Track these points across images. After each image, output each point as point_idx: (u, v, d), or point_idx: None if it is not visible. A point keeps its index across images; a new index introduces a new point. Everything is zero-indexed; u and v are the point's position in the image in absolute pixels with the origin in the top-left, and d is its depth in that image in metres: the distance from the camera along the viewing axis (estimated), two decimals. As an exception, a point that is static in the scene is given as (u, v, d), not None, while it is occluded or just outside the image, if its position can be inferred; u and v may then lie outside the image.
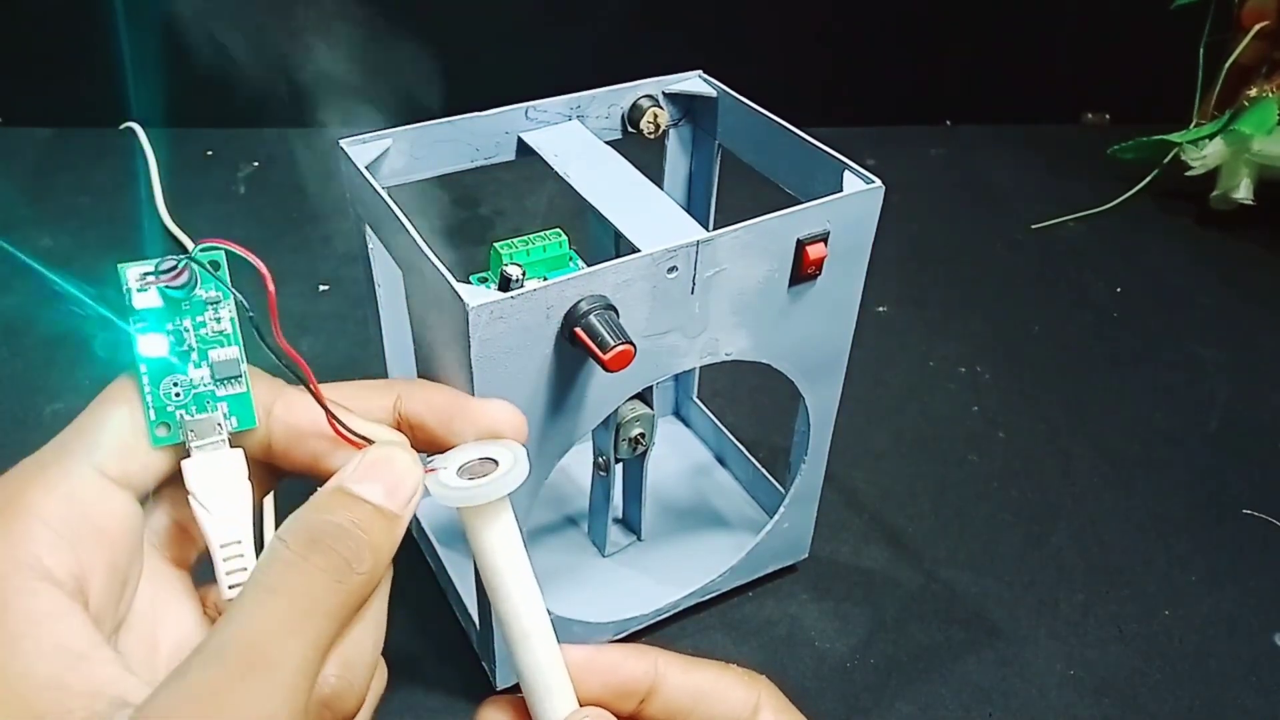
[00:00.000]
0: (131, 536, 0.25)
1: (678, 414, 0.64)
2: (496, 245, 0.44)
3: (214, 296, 0.25)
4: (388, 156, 0.44)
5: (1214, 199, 0.88)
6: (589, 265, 0.40)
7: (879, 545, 0.57)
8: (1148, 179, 0.88)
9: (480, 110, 0.46)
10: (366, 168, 0.42)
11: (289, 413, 0.28)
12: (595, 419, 0.41)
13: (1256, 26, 0.85)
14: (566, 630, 0.48)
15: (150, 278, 0.24)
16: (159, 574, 0.26)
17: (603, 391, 0.41)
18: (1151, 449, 0.65)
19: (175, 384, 0.25)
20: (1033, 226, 0.88)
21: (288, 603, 0.22)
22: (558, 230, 0.45)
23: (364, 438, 0.27)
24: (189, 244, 0.79)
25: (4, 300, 0.74)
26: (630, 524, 0.55)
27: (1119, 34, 0.99)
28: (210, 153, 0.94)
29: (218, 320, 0.25)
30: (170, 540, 0.27)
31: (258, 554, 0.24)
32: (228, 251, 0.24)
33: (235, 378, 0.25)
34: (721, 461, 0.61)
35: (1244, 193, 0.85)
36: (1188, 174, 0.87)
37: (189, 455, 0.25)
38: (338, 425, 0.26)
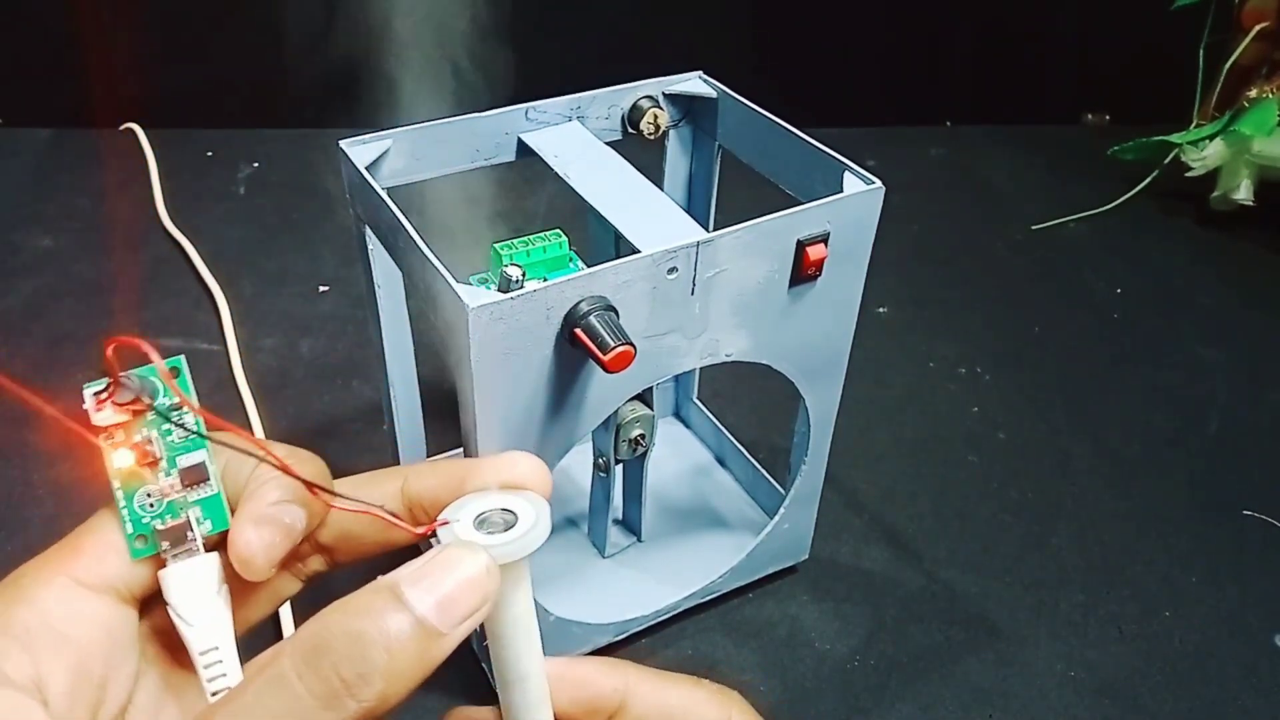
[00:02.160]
0: (111, 637, 0.24)
1: (678, 415, 0.64)
2: (496, 245, 0.44)
3: (174, 403, 0.25)
4: (388, 157, 0.44)
5: (1214, 200, 0.88)
6: (589, 266, 0.40)
7: (879, 546, 0.57)
8: (1148, 179, 0.88)
9: (480, 110, 0.46)
10: (366, 168, 0.42)
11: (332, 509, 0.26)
12: (595, 420, 0.41)
13: (1257, 27, 0.85)
14: (566, 631, 0.48)
15: (101, 396, 0.24)
16: (165, 676, 0.26)
17: (603, 392, 0.41)
18: (1151, 449, 0.65)
19: (148, 494, 0.25)
20: (1033, 226, 0.88)
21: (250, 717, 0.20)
22: (558, 231, 0.45)
23: (366, 505, 0.25)
24: (195, 253, 0.79)
25: (4, 300, 0.74)
26: (630, 525, 0.55)
27: (1119, 34, 0.99)
28: (210, 153, 0.94)
29: (182, 424, 0.25)
30: (177, 644, 0.26)
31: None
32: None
33: (204, 481, 0.25)
34: (721, 462, 0.61)
35: (1244, 193, 0.85)
36: (1188, 174, 0.87)
37: (164, 565, 0.25)
38: (325, 497, 0.25)
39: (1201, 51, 0.86)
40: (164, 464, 0.25)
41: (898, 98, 1.03)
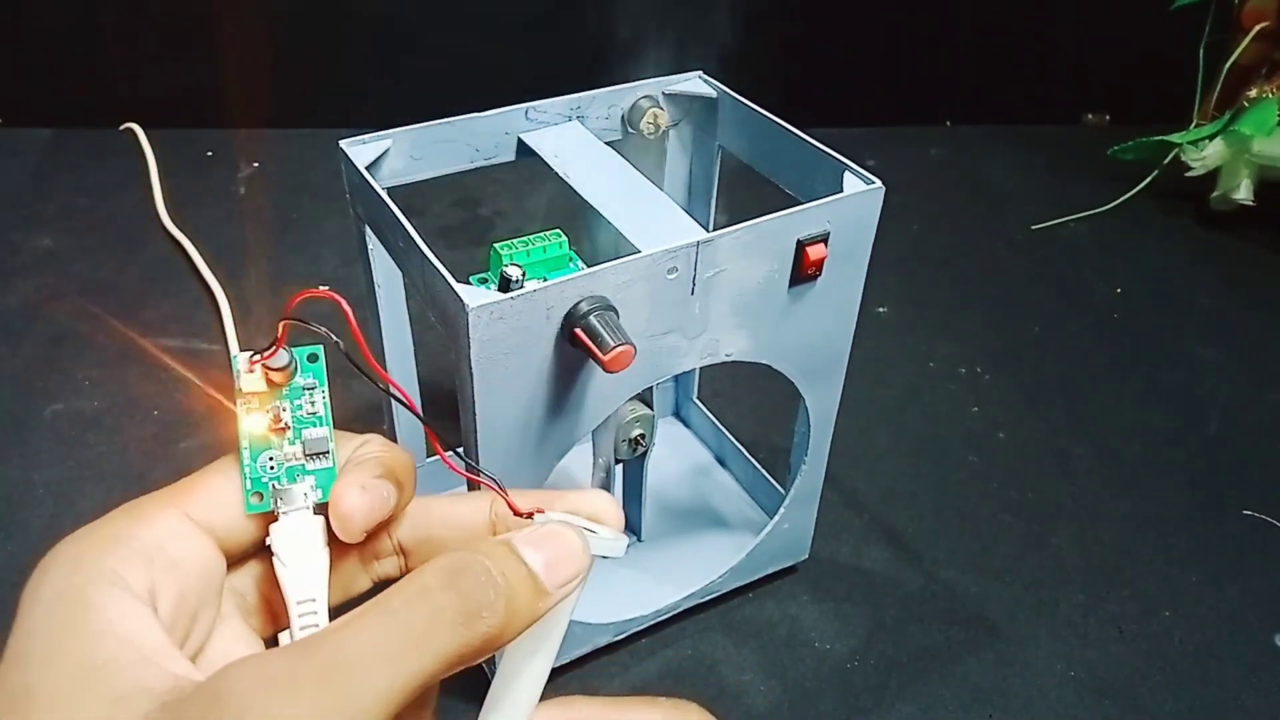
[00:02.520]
0: (206, 576, 0.26)
1: (678, 414, 0.64)
2: (496, 245, 0.44)
3: (310, 383, 0.28)
4: (388, 157, 0.44)
5: (1214, 199, 0.88)
6: (589, 266, 0.40)
7: (879, 546, 0.57)
8: (1148, 179, 0.88)
9: (480, 110, 0.46)
10: (366, 168, 0.42)
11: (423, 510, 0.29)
12: (595, 419, 0.41)
13: (1257, 27, 0.85)
14: (567, 630, 0.48)
15: (256, 358, 0.27)
16: (236, 633, 0.27)
17: (603, 392, 0.41)
18: (1151, 449, 0.65)
19: (270, 458, 0.27)
20: (1033, 226, 0.88)
21: (397, 628, 0.21)
22: (558, 230, 0.45)
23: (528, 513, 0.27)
24: (195, 253, 0.79)
25: (4, 300, 0.74)
26: (630, 525, 0.55)
27: (1119, 34, 0.99)
28: (210, 153, 0.94)
29: (312, 404, 0.28)
30: (254, 609, 0.28)
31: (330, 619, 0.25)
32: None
33: (323, 454, 0.28)
34: (721, 462, 0.61)
35: (1244, 193, 0.85)
36: (1188, 174, 0.87)
37: (276, 520, 0.27)
38: (494, 486, 0.28)
39: (1201, 51, 0.86)
40: (290, 433, 0.27)
41: (898, 98, 1.03)
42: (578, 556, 0.25)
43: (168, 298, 0.75)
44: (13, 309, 0.73)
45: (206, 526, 0.26)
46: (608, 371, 0.36)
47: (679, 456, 0.61)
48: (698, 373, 0.62)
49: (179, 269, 0.78)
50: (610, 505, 0.28)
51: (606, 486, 0.51)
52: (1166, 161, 0.88)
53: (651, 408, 0.49)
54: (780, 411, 0.63)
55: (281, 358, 0.27)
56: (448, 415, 0.58)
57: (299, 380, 0.28)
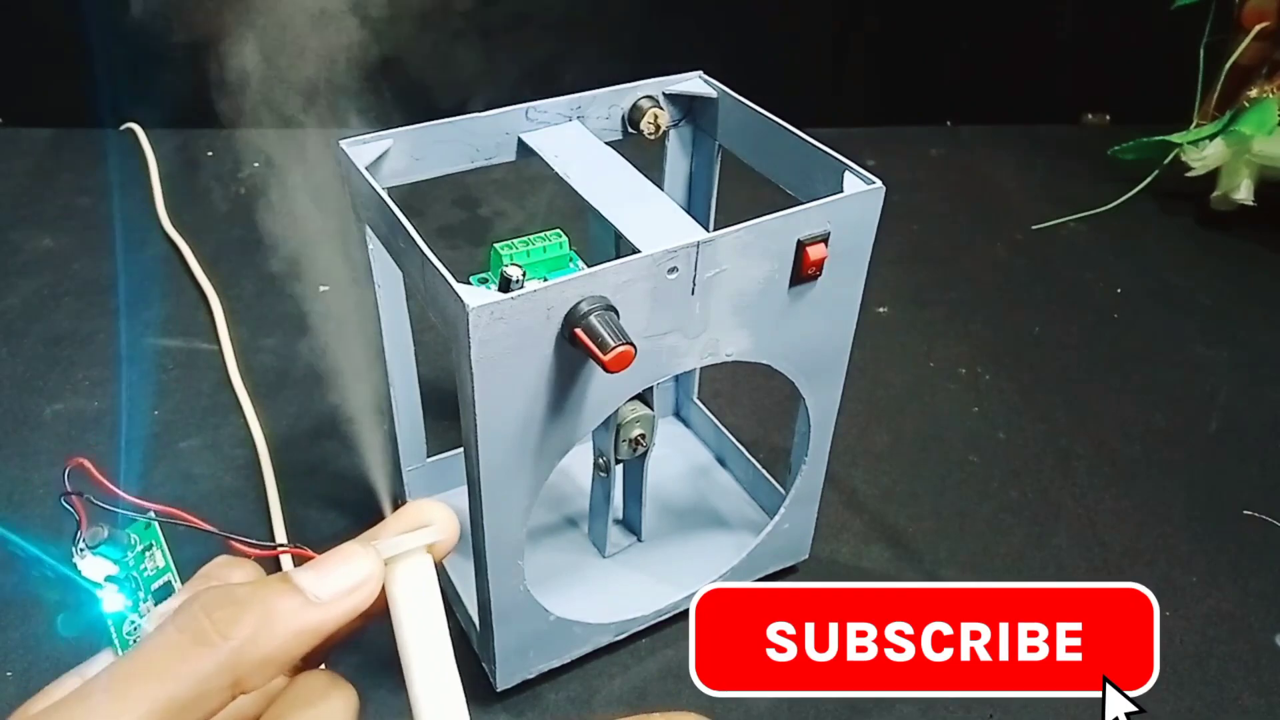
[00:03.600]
0: None
1: (678, 414, 0.64)
2: (496, 246, 0.44)
3: (146, 544, 0.28)
4: (388, 157, 0.44)
5: (1214, 199, 0.88)
6: (589, 266, 0.40)
7: (879, 546, 0.57)
8: (1148, 179, 0.88)
9: (480, 110, 0.46)
10: (367, 168, 0.42)
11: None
12: (595, 420, 0.41)
13: (1257, 27, 0.85)
14: (567, 631, 0.48)
15: (80, 545, 0.28)
16: None
17: (603, 392, 0.41)
18: (1151, 449, 0.65)
19: (132, 623, 0.28)
20: (1033, 226, 0.88)
21: (133, 663, 0.23)
22: (558, 230, 0.45)
23: (276, 546, 0.29)
24: (189, 254, 0.79)
25: (4, 300, 0.74)
26: (630, 525, 0.55)
27: (1119, 34, 0.99)
28: (210, 153, 0.94)
29: (153, 558, 0.28)
30: None
31: None
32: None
33: (169, 596, 0.28)
34: (722, 462, 0.61)
35: (1244, 193, 0.85)
36: (1188, 174, 0.87)
37: None
38: (239, 544, 0.28)
39: (1201, 51, 0.86)
40: (142, 593, 0.28)
41: (898, 98, 1.03)
42: (359, 566, 0.25)
43: (167, 298, 0.75)
44: (13, 309, 0.73)
45: None
46: (608, 371, 0.36)
47: (679, 456, 0.61)
48: (698, 373, 0.62)
49: (179, 269, 0.78)
50: (442, 511, 0.29)
51: (606, 486, 0.51)
52: (1166, 161, 0.88)
53: (651, 408, 0.49)
54: (780, 411, 0.63)
55: (99, 533, 0.28)
56: (448, 415, 0.58)
57: (137, 545, 0.28)
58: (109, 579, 0.28)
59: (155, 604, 0.28)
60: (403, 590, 0.26)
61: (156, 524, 0.28)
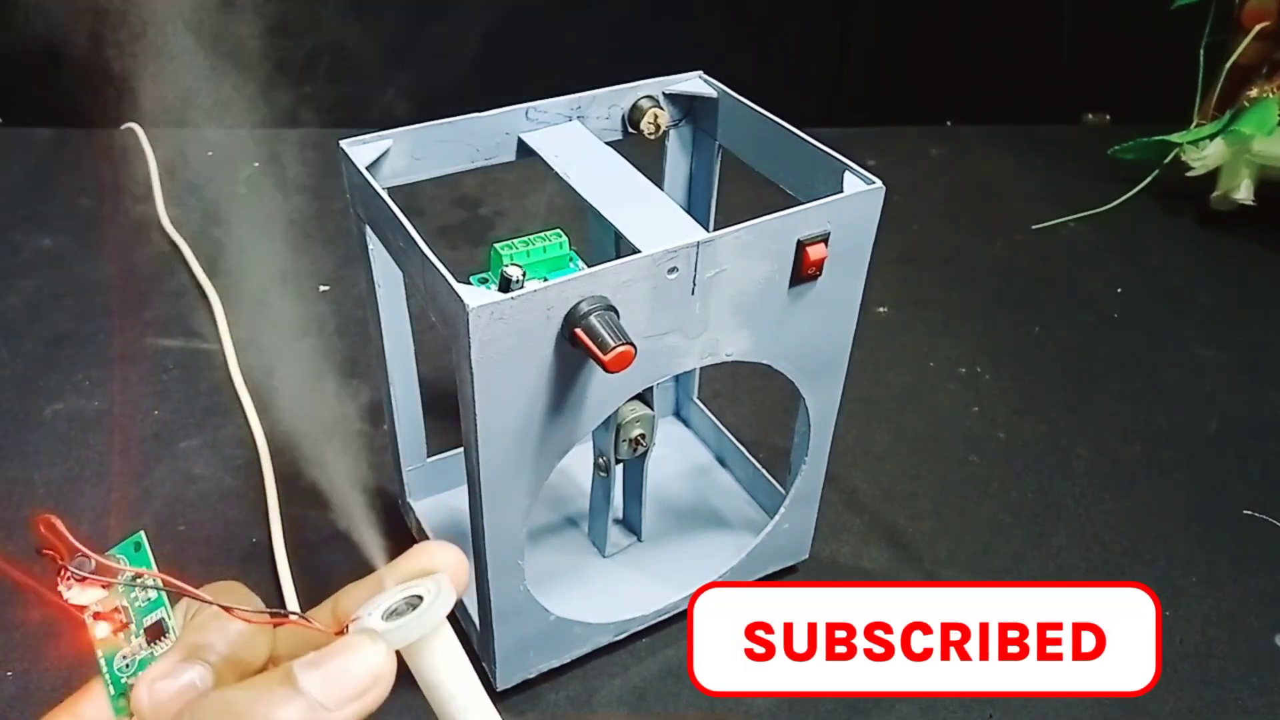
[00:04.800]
0: None
1: (678, 414, 0.64)
2: (496, 246, 0.44)
3: (138, 572, 0.28)
4: (388, 157, 0.44)
5: (1214, 199, 0.88)
6: (589, 266, 0.40)
7: (879, 546, 0.57)
8: (1148, 179, 0.88)
9: (480, 110, 0.46)
10: (367, 168, 0.42)
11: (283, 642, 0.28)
12: (595, 420, 0.41)
13: (1257, 27, 0.85)
14: (567, 631, 0.48)
15: (65, 575, 0.27)
16: None
17: (603, 392, 0.41)
18: (1151, 449, 0.65)
19: (124, 657, 0.27)
20: (1033, 226, 0.88)
21: None
22: (558, 230, 0.45)
23: (279, 613, 0.27)
24: (189, 254, 0.79)
25: (4, 300, 0.74)
26: (630, 524, 0.55)
27: (1119, 34, 0.99)
28: (210, 153, 0.94)
29: (144, 590, 0.28)
30: None
31: None
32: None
33: (163, 635, 0.28)
34: (722, 462, 0.61)
35: (1244, 193, 0.85)
36: (1188, 174, 0.86)
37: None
38: (241, 614, 0.27)
39: (1201, 51, 0.86)
40: (133, 626, 0.27)
41: (898, 97, 1.03)
42: (369, 666, 0.24)
43: (168, 298, 0.75)
44: (13, 309, 0.73)
45: None
46: (608, 371, 0.36)
47: (679, 456, 0.61)
48: (698, 373, 0.62)
49: (179, 269, 0.78)
50: (447, 555, 0.27)
51: (606, 486, 0.51)
52: (1166, 161, 0.88)
53: (651, 408, 0.49)
54: (780, 411, 0.63)
55: (85, 565, 0.27)
56: (448, 415, 0.58)
57: (128, 572, 0.27)
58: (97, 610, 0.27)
59: (148, 642, 0.27)
60: (430, 665, 0.26)
61: (148, 548, 0.28)
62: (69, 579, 0.26)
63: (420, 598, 0.26)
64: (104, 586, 0.27)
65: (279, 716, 0.23)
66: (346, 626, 0.26)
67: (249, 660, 0.27)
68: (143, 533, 0.28)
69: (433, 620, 0.25)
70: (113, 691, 0.27)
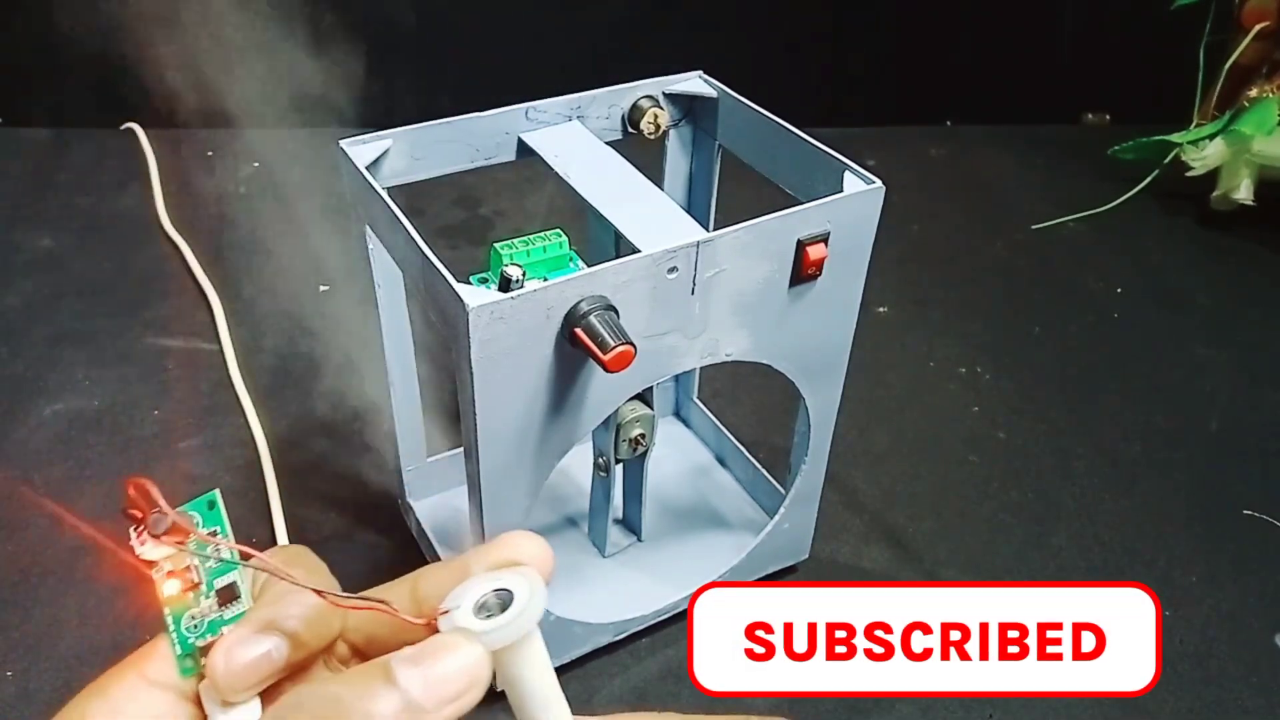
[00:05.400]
0: None
1: (678, 414, 0.64)
2: (496, 245, 0.44)
3: (212, 531, 0.27)
4: (388, 157, 0.44)
5: (1214, 199, 0.88)
6: (589, 265, 0.40)
7: (879, 546, 0.57)
8: (1148, 179, 0.88)
9: (480, 110, 0.46)
10: (367, 168, 0.42)
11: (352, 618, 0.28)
12: (595, 419, 0.41)
13: (1257, 27, 0.85)
14: (567, 631, 0.48)
15: (140, 530, 0.26)
16: None
17: (603, 392, 0.41)
18: (1151, 449, 0.65)
19: (192, 618, 0.27)
20: (1033, 226, 0.88)
21: None
22: (558, 230, 0.45)
23: (369, 601, 0.26)
24: (189, 254, 0.79)
25: (4, 300, 0.74)
26: (630, 524, 0.55)
27: (1119, 34, 0.99)
28: (210, 153, 0.94)
29: (218, 550, 0.27)
30: None
31: None
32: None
33: (236, 599, 0.27)
34: (721, 462, 0.61)
35: (1244, 193, 0.85)
36: (1188, 174, 0.86)
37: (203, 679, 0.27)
38: (331, 598, 0.26)
39: (1201, 51, 0.86)
40: (203, 587, 0.27)
41: (898, 98, 1.03)
42: (468, 670, 0.23)
43: (167, 298, 0.75)
44: (13, 309, 0.73)
45: (168, 684, 0.26)
46: (608, 371, 0.36)
47: (679, 456, 0.61)
48: (698, 373, 0.62)
49: (179, 269, 0.78)
50: (534, 547, 0.27)
51: (606, 486, 0.51)
52: (1166, 161, 0.88)
53: (651, 408, 0.49)
54: (780, 411, 0.63)
55: (161, 523, 0.26)
56: (448, 415, 0.58)
57: (201, 530, 0.27)
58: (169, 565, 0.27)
59: (218, 603, 0.27)
60: (521, 667, 0.25)
61: (221, 506, 0.27)
62: (144, 535, 0.26)
63: (510, 592, 0.25)
64: (177, 544, 0.26)
65: (378, 712, 0.22)
66: (435, 619, 0.25)
67: (322, 635, 0.27)
68: (217, 491, 0.27)
69: (531, 622, 0.25)
70: (179, 651, 0.26)
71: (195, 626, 0.27)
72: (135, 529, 0.26)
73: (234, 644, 0.26)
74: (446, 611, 0.25)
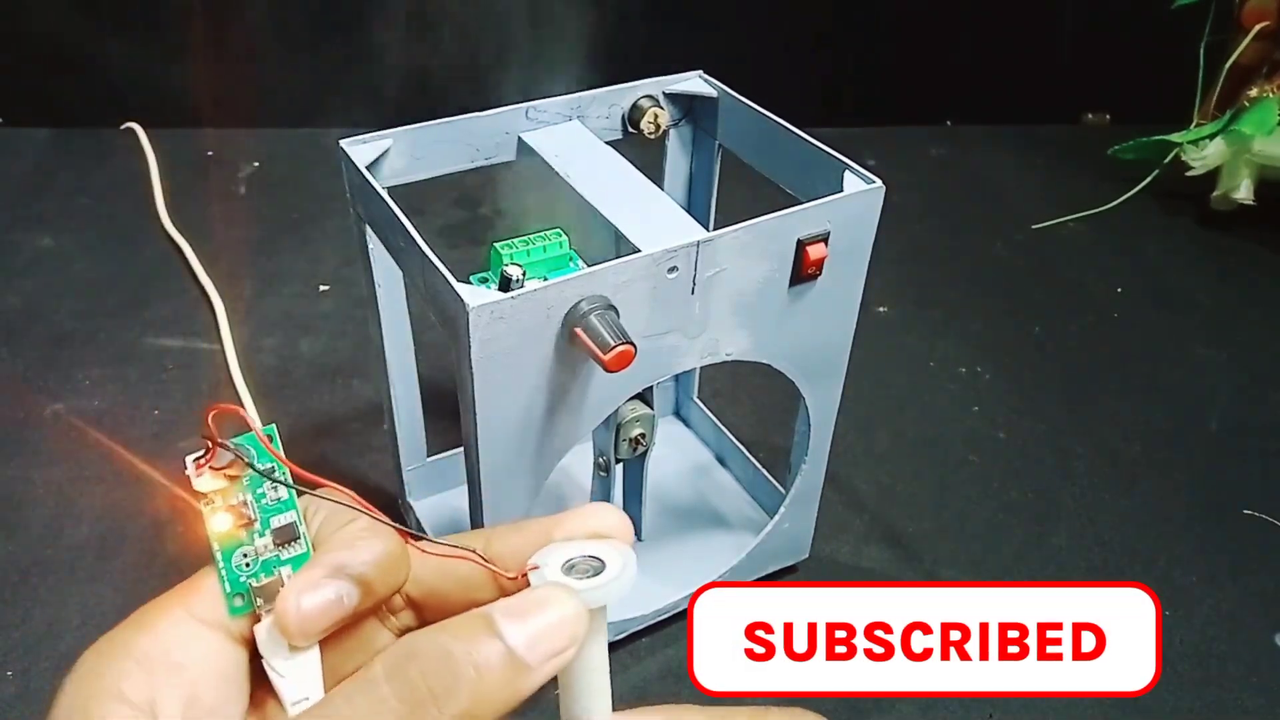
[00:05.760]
0: (221, 672, 0.25)
1: (678, 414, 0.64)
2: (496, 245, 0.44)
3: (269, 468, 0.26)
4: (388, 157, 0.44)
5: (1214, 199, 0.88)
6: (589, 266, 0.40)
7: (879, 545, 0.57)
8: (1148, 179, 0.88)
9: (480, 110, 0.46)
10: (367, 168, 0.42)
11: (425, 562, 0.27)
12: (596, 419, 0.41)
13: (1257, 26, 0.85)
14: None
15: (201, 460, 0.26)
16: (277, 716, 0.26)
17: (603, 392, 0.41)
18: (1151, 449, 0.65)
19: (244, 555, 0.26)
20: (1033, 226, 0.88)
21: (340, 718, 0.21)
22: (558, 230, 0.45)
23: (456, 546, 0.26)
24: (191, 254, 0.79)
25: (4, 300, 0.74)
26: (630, 524, 0.55)
27: (1119, 34, 0.99)
28: (210, 153, 0.94)
29: (274, 488, 0.26)
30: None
31: None
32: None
33: (294, 540, 0.26)
34: (722, 461, 0.61)
35: (1244, 193, 0.85)
36: (1188, 174, 0.86)
37: (260, 619, 0.26)
38: (415, 543, 0.26)
39: (1201, 51, 0.86)
40: (258, 525, 0.26)
41: (898, 97, 1.03)
42: (569, 624, 0.23)
43: (168, 298, 0.75)
44: (13, 309, 0.73)
45: (215, 622, 0.25)
46: (608, 371, 0.36)
47: (679, 456, 0.61)
48: (698, 372, 0.62)
49: (179, 269, 0.78)
50: (616, 519, 0.26)
51: (606, 486, 0.51)
52: (1166, 161, 0.88)
53: (651, 407, 0.49)
54: (780, 411, 0.63)
55: (224, 456, 0.26)
56: (448, 415, 0.58)
57: (258, 466, 0.26)
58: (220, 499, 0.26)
59: (274, 543, 0.26)
60: (592, 635, 0.24)
61: (279, 438, 0.26)
62: (203, 466, 0.25)
63: (599, 560, 0.25)
64: (228, 478, 0.25)
65: (484, 661, 0.22)
66: (525, 573, 0.25)
67: (391, 583, 0.26)
68: (274, 425, 0.26)
69: (626, 588, 0.25)
70: (228, 589, 0.25)
71: (248, 565, 0.26)
72: (196, 459, 0.25)
73: (305, 587, 0.25)
74: (536, 567, 0.25)
